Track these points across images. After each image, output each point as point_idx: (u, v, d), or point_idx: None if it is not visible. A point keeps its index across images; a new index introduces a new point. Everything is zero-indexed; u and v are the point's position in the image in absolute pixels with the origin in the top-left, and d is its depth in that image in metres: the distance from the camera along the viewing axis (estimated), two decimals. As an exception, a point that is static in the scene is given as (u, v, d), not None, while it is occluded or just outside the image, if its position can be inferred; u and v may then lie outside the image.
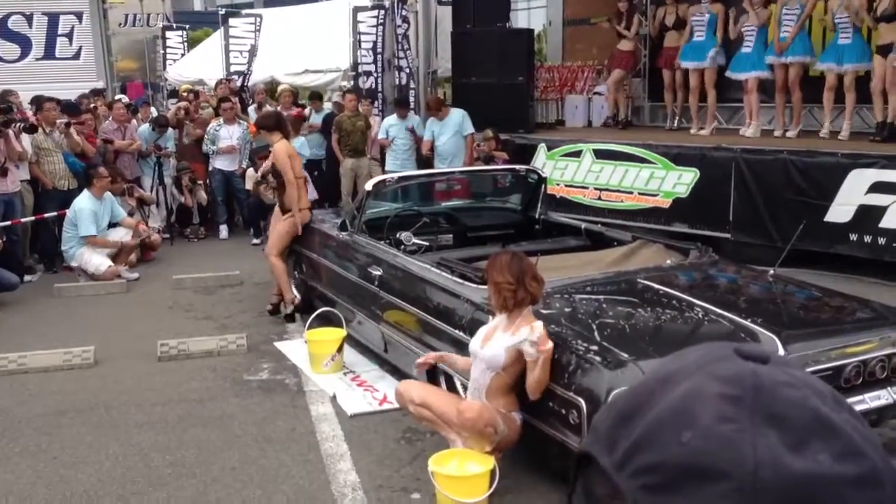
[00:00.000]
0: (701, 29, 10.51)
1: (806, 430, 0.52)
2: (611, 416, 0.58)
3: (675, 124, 11.33)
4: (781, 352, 4.21)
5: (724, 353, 0.57)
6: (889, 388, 4.46)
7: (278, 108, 11.12)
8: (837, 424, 0.53)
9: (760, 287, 5.30)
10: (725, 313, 4.57)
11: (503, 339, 4.20)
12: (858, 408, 4.23)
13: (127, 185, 10.14)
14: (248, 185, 10.78)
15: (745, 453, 0.51)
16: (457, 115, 10.47)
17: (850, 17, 9.04)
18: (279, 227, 7.33)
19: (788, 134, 9.82)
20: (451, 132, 10.43)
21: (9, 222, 8.86)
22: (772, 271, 5.40)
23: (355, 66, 12.77)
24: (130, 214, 9.74)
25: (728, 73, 10.28)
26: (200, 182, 11.35)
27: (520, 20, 23.28)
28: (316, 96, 12.70)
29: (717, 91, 10.66)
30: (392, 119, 11.01)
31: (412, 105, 11.78)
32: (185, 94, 13.89)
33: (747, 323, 4.44)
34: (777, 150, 8.74)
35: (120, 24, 20.49)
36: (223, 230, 11.26)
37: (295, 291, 7.44)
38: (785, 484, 0.50)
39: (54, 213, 9.43)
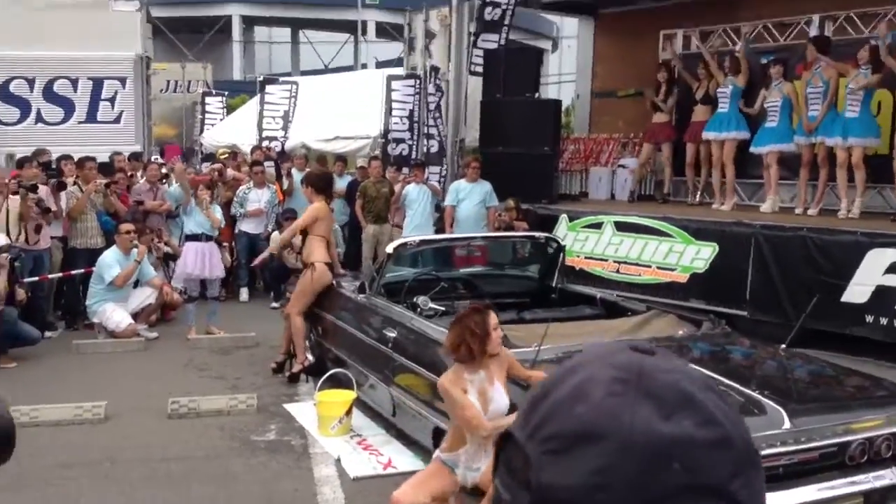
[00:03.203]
0: (725, 101, 10.62)
1: (675, 404, 0.64)
2: (527, 401, 0.70)
3: (698, 199, 11.36)
4: (787, 424, 4.17)
5: (621, 348, 0.70)
6: (894, 469, 4.38)
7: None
8: (700, 400, 0.65)
9: (770, 361, 5.28)
10: (732, 384, 4.54)
11: (499, 387, 4.18)
12: (862, 487, 4.23)
13: (151, 235, 10.25)
14: (272, 249, 10.94)
15: (623, 420, 0.62)
16: (485, 185, 10.60)
17: (859, 92, 9.07)
18: (299, 284, 7.47)
19: (810, 212, 9.80)
20: (476, 200, 10.54)
21: (36, 278, 9.08)
22: (783, 346, 5.37)
23: (385, 133, 13.04)
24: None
25: (751, 149, 10.32)
26: (225, 244, 11.55)
27: (549, 93, 23.69)
28: (340, 159, 12.97)
29: (741, 167, 10.71)
30: (411, 186, 11.13)
31: (443, 172, 11.97)
32: (222, 156, 14.24)
33: (754, 394, 4.41)
34: (797, 226, 8.72)
35: (161, 90, 21.17)
36: (244, 293, 11.42)
37: (309, 354, 7.51)
38: (654, 443, 0.62)
39: (81, 271, 9.65)
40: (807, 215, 9.67)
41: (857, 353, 7.69)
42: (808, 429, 4.22)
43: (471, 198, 10.54)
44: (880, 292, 7.90)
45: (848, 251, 8.18)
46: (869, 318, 7.97)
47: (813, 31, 10.64)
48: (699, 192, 11.40)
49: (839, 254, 8.24)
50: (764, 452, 4.05)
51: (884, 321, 7.89)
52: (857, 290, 8.03)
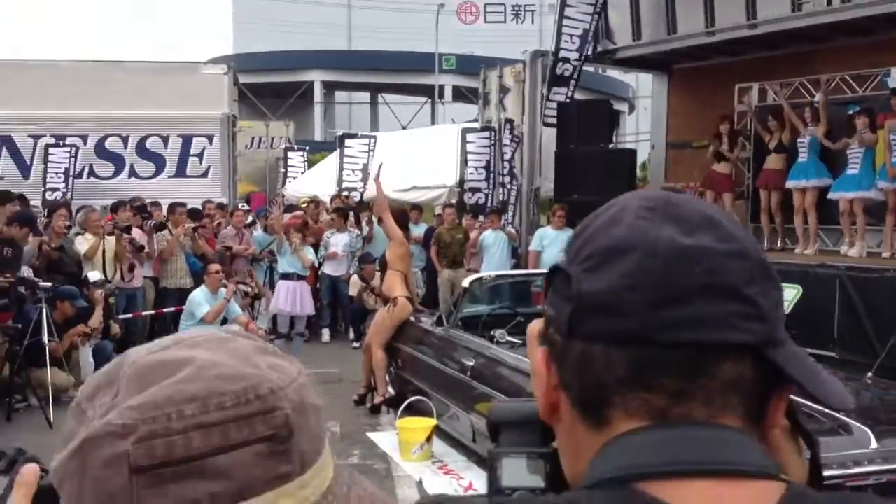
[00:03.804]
0: (804, 150, 10.58)
1: (697, 224, 0.71)
2: (571, 237, 0.79)
3: (780, 244, 11.24)
4: (874, 444, 4.11)
5: (652, 190, 0.78)
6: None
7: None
8: (720, 221, 0.72)
9: (857, 388, 5.19)
10: (819, 408, 4.48)
11: None
12: None
13: (237, 276, 10.66)
14: (353, 291, 11.22)
15: (651, 235, 0.70)
16: (569, 233, 10.67)
17: None
18: (378, 320, 7.63)
19: (896, 256, 9.61)
20: (560, 247, 10.62)
21: (130, 315, 9.49)
22: (869, 374, 5.29)
23: (462, 182, 13.31)
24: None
25: (830, 195, 10.21)
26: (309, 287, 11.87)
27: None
28: (416, 208, 13.27)
29: (823, 214, 10.59)
30: (488, 232, 11.30)
31: (510, 220, 12.13)
32: (304, 205, 14.70)
33: (840, 416, 4.35)
34: (883, 268, 8.57)
35: (246, 146, 21.99)
36: (325, 333, 11.66)
37: (390, 387, 7.63)
38: (677, 251, 0.69)
39: (172, 309, 10.04)
40: (894, 259, 9.47)
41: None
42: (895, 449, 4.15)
43: (555, 245, 10.62)
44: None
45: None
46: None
47: (893, 83, 10.54)
48: (779, 238, 11.29)
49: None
50: (851, 471, 4.01)
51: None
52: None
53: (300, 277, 9.36)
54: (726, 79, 12.55)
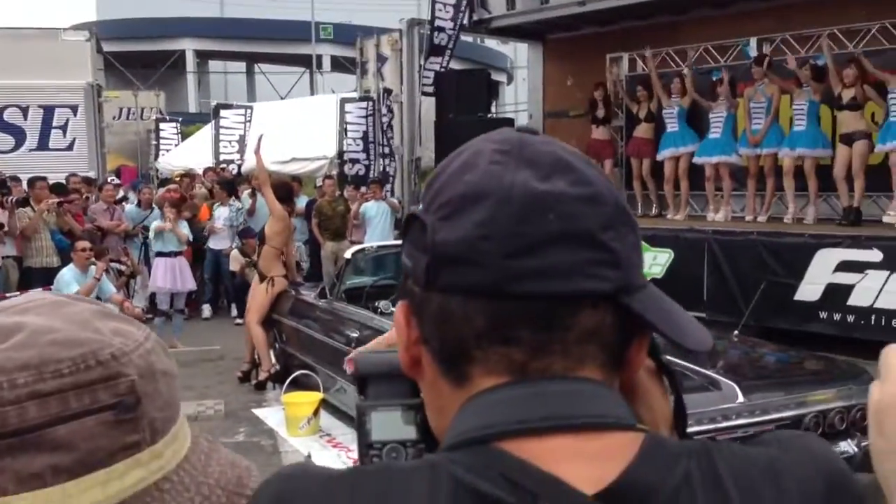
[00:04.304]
0: (672, 120, 10.98)
1: (551, 167, 0.70)
2: (425, 184, 0.77)
3: (654, 210, 11.66)
4: (741, 399, 4.35)
5: (505, 129, 0.77)
6: (849, 440, 4.57)
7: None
8: (575, 164, 0.71)
9: (724, 345, 5.47)
10: (687, 364, 4.71)
11: None
12: None
13: (109, 254, 10.25)
14: (234, 266, 10.96)
15: (505, 180, 0.69)
16: None
17: (805, 106, 9.47)
18: (257, 296, 7.50)
19: (759, 219, 10.13)
20: None
21: (-7, 297, 8.97)
22: (735, 332, 5.58)
23: (341, 153, 13.18)
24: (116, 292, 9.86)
25: (695, 159, 10.66)
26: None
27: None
28: (296, 180, 13.08)
29: (691, 180, 11.04)
30: (370, 203, 11.25)
31: (391, 190, 12.14)
32: (178, 178, 14.24)
33: (709, 372, 4.58)
34: (747, 231, 9.04)
35: (114, 117, 21.04)
36: (206, 309, 11.39)
37: (274, 360, 7.54)
38: (531, 197, 0.67)
39: (39, 289, 9.54)
40: (756, 222, 9.99)
41: (812, 348, 7.97)
42: (762, 402, 4.40)
43: None
44: (831, 290, 8.21)
45: (798, 252, 8.50)
46: (823, 315, 8.28)
47: (752, 53, 11.04)
48: (654, 206, 11.71)
49: (789, 255, 8.55)
50: (720, 426, 4.23)
51: (836, 317, 8.20)
52: (809, 289, 8.33)
53: (177, 253, 9.09)
54: (598, 48, 12.85)
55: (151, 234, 9.62)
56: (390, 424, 0.78)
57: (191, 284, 9.45)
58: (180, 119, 19.52)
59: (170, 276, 9.08)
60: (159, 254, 9.17)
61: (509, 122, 12.55)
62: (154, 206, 11.51)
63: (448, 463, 0.66)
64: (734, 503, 0.65)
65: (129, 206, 11.69)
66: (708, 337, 0.74)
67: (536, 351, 0.67)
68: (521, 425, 0.66)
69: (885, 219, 8.69)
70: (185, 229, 9.50)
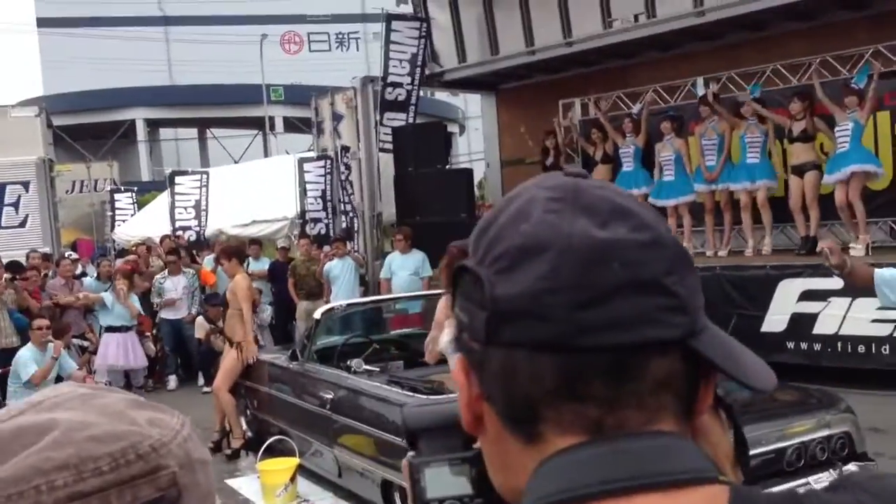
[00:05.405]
0: (629, 160, 11.14)
1: (609, 214, 0.68)
2: (475, 233, 0.75)
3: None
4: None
5: (554, 175, 0.75)
6: (831, 471, 4.57)
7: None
8: (633, 209, 0.69)
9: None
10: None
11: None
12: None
13: (70, 331, 10.04)
14: (199, 334, 10.78)
15: (563, 230, 0.67)
16: (418, 256, 10.69)
17: (759, 139, 9.71)
18: (226, 362, 7.37)
19: (720, 253, 10.26)
20: (410, 271, 10.60)
21: (-51, 381, 8.70)
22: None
23: (302, 213, 13.14)
24: (78, 369, 9.62)
25: (653, 201, 10.79)
26: (148, 334, 11.32)
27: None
28: (255, 242, 13.00)
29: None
30: (334, 262, 11.18)
31: (355, 248, 12.09)
32: (134, 248, 14.06)
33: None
34: (710, 266, 9.14)
35: (67, 190, 20.81)
36: (172, 380, 11.16)
37: (245, 427, 7.38)
38: (592, 246, 0.66)
39: (64, 382, 9.25)
40: (718, 257, 10.12)
41: (782, 378, 8.02)
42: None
43: (404, 269, 10.61)
44: (796, 319, 8.32)
45: (761, 284, 8.61)
46: (790, 345, 8.37)
47: (699, 91, 11.32)
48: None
49: (753, 288, 8.66)
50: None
51: (803, 346, 8.30)
52: (775, 320, 8.43)
53: (128, 329, 8.87)
54: (550, 95, 13.07)
55: (99, 308, 9.37)
56: (445, 479, 0.76)
57: (143, 361, 9.20)
58: (135, 188, 19.36)
59: (122, 352, 8.83)
60: (109, 329, 8.92)
61: (468, 172, 12.65)
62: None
63: None
64: None
65: (88, 280, 11.49)
66: (772, 375, 0.74)
67: (610, 406, 0.66)
68: (605, 486, 0.64)
69: (853, 252, 8.85)
70: (136, 303, 9.30)
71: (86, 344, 10.29)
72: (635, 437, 0.66)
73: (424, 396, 5.11)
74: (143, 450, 0.65)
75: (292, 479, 6.00)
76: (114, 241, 17.86)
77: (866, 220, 9.03)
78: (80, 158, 25.56)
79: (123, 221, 17.76)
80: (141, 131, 36.67)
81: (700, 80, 11.39)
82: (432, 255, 10.64)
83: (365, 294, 11.16)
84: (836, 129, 8.95)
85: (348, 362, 6.62)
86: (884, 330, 7.69)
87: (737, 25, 10.70)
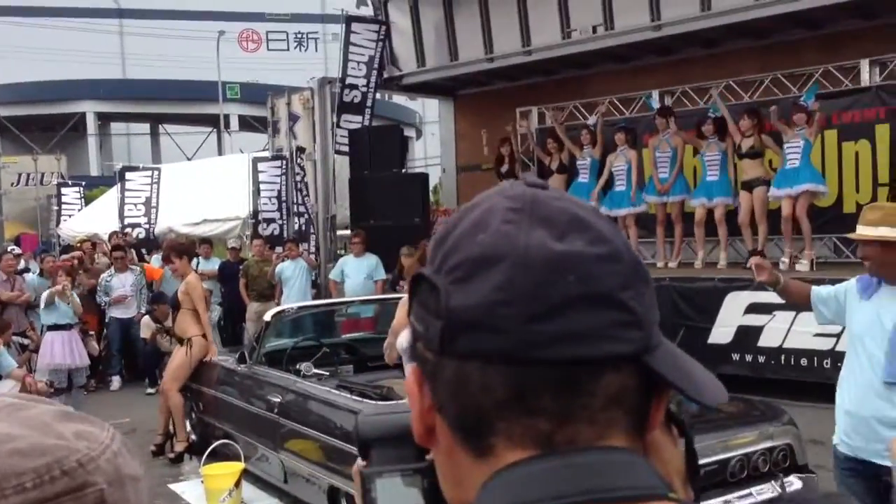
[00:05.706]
0: (585, 171, 11.23)
1: (567, 226, 0.68)
2: (432, 243, 0.74)
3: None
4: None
5: (516, 183, 0.74)
6: (773, 482, 4.64)
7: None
8: (592, 222, 0.69)
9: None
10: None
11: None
12: (747, 502, 4.46)
13: (10, 328, 9.77)
14: (145, 333, 10.59)
15: (520, 241, 0.66)
16: (371, 259, 10.63)
17: (717, 157, 9.85)
18: (174, 362, 7.24)
19: (670, 265, 10.40)
20: (363, 275, 10.54)
21: None
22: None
23: (255, 213, 13.00)
24: (18, 367, 9.36)
25: (604, 210, 10.89)
26: (92, 333, 11.05)
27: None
28: (206, 242, 12.82)
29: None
30: (286, 263, 11.08)
31: (311, 249, 11.99)
32: (79, 244, 13.77)
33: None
34: (659, 277, 9.23)
35: (12, 183, 20.31)
36: (115, 381, 10.94)
37: (190, 429, 7.26)
38: (548, 258, 0.65)
39: None
40: (668, 268, 10.24)
41: (727, 390, 8.13)
42: (686, 448, 4.43)
43: (358, 272, 10.55)
44: (742, 332, 8.45)
45: (709, 296, 8.73)
46: (735, 356, 8.49)
47: (654, 104, 11.46)
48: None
49: (701, 300, 8.78)
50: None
51: (748, 358, 8.43)
52: (721, 332, 8.56)
53: (71, 326, 8.66)
54: (508, 103, 13.14)
55: (42, 306, 9.14)
56: (398, 491, 0.75)
57: (86, 360, 9.00)
58: (83, 183, 18.95)
59: (67, 349, 8.61)
60: (52, 327, 8.71)
61: (423, 177, 12.65)
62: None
63: None
64: None
65: (31, 276, 11.20)
66: (723, 390, 0.73)
67: (562, 420, 0.65)
68: (556, 501, 0.63)
69: (798, 267, 9.02)
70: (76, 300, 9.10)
71: (26, 342, 10.02)
72: (586, 452, 0.65)
73: (374, 402, 5.08)
74: (69, 465, 0.62)
75: (237, 484, 5.90)
76: (59, 236, 17.47)
77: (811, 236, 9.23)
78: (27, 151, 24.94)
79: (70, 216, 17.39)
80: (91, 125, 35.96)
81: (655, 94, 11.56)
82: (386, 259, 10.62)
83: (317, 297, 11.08)
84: (786, 144, 9.12)
85: (298, 366, 6.56)
86: (826, 344, 7.84)
87: (692, 41, 10.88)
